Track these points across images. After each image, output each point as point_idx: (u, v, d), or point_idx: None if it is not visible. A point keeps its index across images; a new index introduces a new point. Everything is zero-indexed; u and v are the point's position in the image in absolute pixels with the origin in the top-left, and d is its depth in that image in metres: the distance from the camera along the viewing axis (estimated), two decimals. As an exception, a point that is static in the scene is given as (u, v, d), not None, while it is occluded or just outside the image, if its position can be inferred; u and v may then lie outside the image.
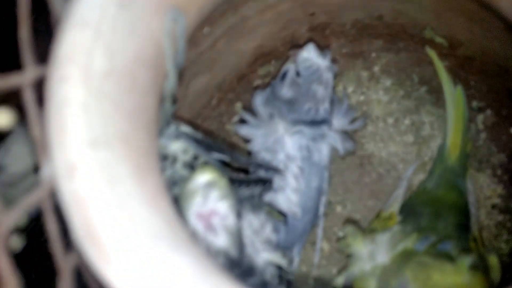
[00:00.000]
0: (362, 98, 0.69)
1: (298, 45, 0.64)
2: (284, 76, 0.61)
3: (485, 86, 0.64)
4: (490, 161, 0.63)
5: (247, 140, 0.63)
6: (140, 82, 0.33)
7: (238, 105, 0.70)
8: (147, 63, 0.34)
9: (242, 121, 0.63)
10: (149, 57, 0.34)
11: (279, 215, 0.59)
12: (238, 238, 0.46)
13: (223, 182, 0.44)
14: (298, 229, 0.61)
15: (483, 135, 0.64)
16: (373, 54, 0.68)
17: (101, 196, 0.27)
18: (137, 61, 0.32)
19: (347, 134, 0.64)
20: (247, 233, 0.48)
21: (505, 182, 0.62)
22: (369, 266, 0.52)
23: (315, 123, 0.60)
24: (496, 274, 0.49)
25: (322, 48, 0.63)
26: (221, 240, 0.43)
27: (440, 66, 0.65)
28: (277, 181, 0.58)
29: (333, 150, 0.64)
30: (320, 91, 0.60)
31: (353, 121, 0.64)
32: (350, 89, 0.70)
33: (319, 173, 0.61)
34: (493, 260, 0.49)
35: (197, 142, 0.51)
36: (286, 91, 0.61)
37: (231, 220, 0.43)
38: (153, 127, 0.38)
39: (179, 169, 0.48)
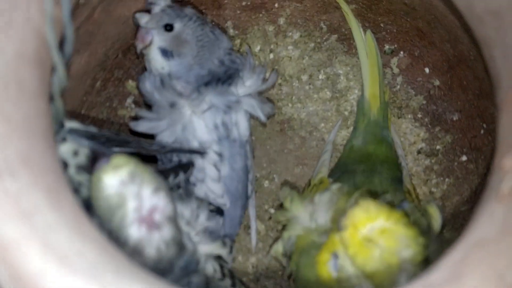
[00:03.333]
0: (271, 56, 0.68)
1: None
2: (165, 52, 0.58)
3: (395, 27, 0.66)
4: (410, 105, 0.67)
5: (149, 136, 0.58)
6: (27, 85, 0.29)
7: (130, 84, 0.64)
8: (31, 59, 0.30)
9: (136, 117, 0.58)
10: (32, 52, 0.29)
11: (211, 206, 0.56)
12: (177, 223, 0.45)
13: (146, 169, 0.42)
14: (236, 217, 0.60)
15: (399, 79, 0.67)
16: (276, 5, 0.66)
17: (24, 239, 0.25)
18: (20, 59, 0.28)
19: (262, 97, 0.62)
20: (181, 225, 0.46)
21: (426, 125, 0.67)
22: (312, 226, 0.53)
23: (225, 79, 0.58)
24: (436, 224, 0.52)
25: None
26: (166, 232, 0.42)
27: (347, 11, 0.67)
28: (194, 173, 0.56)
29: (252, 119, 0.63)
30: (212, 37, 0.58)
31: (265, 79, 0.61)
32: (257, 48, 0.68)
33: (242, 150, 0.60)
34: (433, 210, 0.52)
35: (91, 138, 0.46)
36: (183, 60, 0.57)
37: (169, 208, 0.43)
38: (50, 136, 0.34)
39: (74, 176, 0.44)
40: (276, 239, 0.63)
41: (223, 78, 0.58)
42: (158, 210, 0.42)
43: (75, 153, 0.45)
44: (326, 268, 0.48)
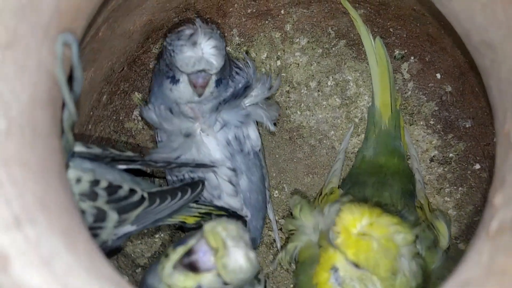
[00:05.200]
0: (279, 63, 0.70)
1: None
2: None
3: (404, 32, 0.67)
4: (422, 112, 0.69)
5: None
6: (40, 127, 0.31)
7: (136, 96, 0.67)
8: (44, 101, 0.32)
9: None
10: (44, 94, 0.31)
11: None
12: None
13: None
14: (258, 228, 0.64)
15: (410, 85, 0.69)
16: (282, 11, 0.68)
17: (46, 285, 0.28)
18: (34, 102, 0.31)
19: (266, 101, 0.64)
20: None
21: (439, 132, 0.68)
22: (315, 237, 0.56)
23: (241, 93, 0.60)
24: (444, 240, 0.55)
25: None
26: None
27: (355, 16, 0.66)
28: (210, 190, 0.59)
29: (260, 127, 0.65)
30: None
31: (270, 86, 0.64)
32: (264, 55, 0.70)
33: (256, 160, 0.63)
34: (441, 227, 0.55)
35: (95, 159, 0.49)
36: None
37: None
38: (63, 172, 0.37)
39: (78, 204, 0.46)
40: (283, 246, 0.66)
41: (240, 92, 0.60)
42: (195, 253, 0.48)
43: (78, 180, 0.47)
44: (329, 286, 0.50)
